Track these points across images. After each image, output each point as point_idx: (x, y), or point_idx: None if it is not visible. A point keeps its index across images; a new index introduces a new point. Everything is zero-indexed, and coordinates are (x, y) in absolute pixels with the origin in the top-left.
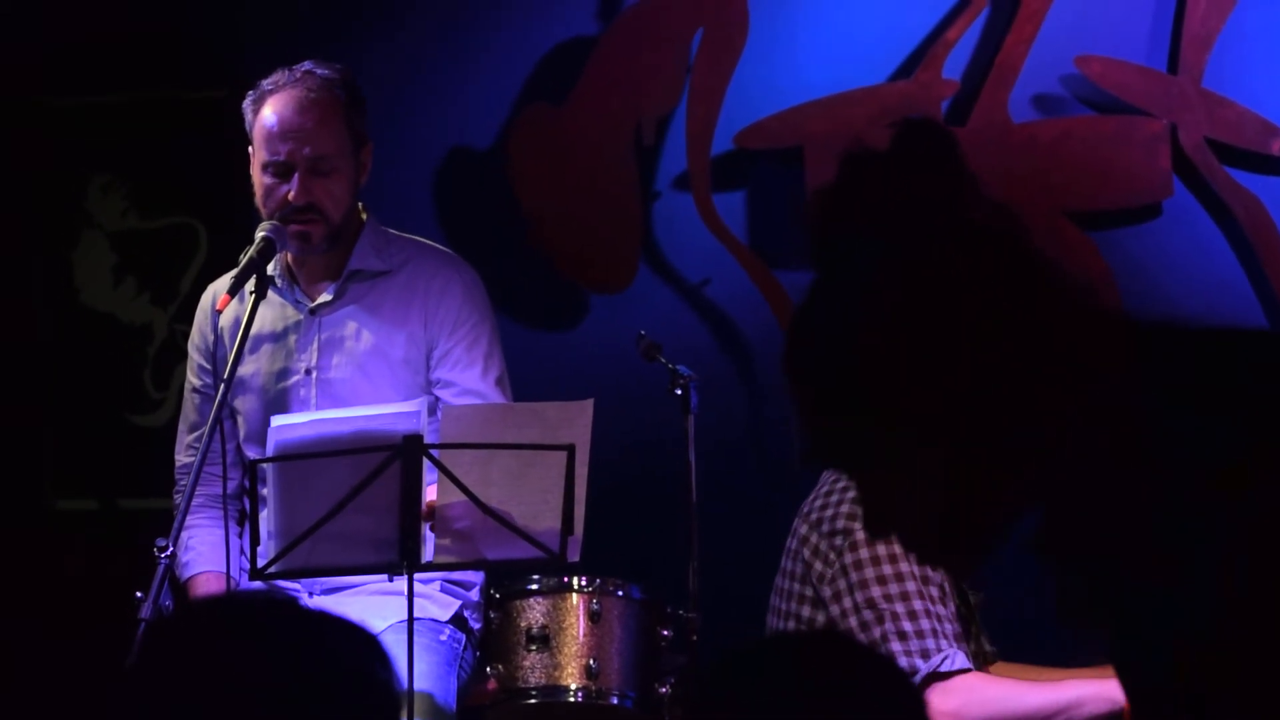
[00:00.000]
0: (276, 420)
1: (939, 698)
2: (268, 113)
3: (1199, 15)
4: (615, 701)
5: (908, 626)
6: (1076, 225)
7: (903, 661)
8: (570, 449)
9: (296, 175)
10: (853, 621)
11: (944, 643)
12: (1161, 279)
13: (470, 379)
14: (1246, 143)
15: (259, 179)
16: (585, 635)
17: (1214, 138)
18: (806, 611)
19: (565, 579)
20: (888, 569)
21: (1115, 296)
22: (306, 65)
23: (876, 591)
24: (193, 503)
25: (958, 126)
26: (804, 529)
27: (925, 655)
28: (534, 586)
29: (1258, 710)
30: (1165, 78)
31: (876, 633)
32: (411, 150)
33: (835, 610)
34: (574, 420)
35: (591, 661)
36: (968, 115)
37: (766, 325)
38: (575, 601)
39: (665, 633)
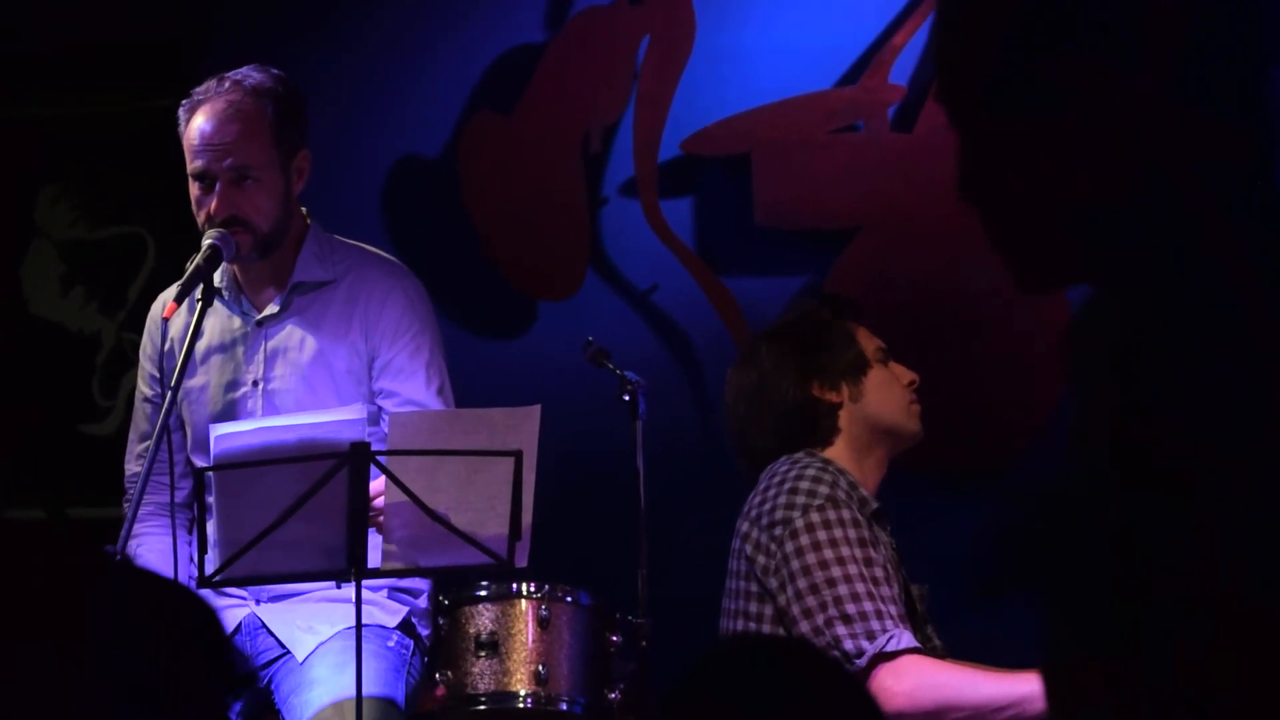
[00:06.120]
0: (219, 429)
1: (891, 679)
2: (193, 124)
3: None
4: (565, 707)
5: (851, 609)
6: None
7: (848, 644)
8: (518, 455)
9: (218, 187)
10: (796, 609)
11: (889, 623)
12: None
13: (412, 389)
14: None
15: (190, 189)
16: (534, 641)
17: None
18: (754, 607)
19: (514, 585)
20: (829, 553)
21: (1065, 303)
22: (238, 74)
23: (819, 576)
24: (141, 511)
25: (904, 132)
26: (745, 526)
27: (870, 636)
28: (482, 593)
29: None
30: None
31: (820, 619)
32: (360, 159)
33: (782, 600)
34: (521, 426)
35: (540, 667)
36: (914, 121)
37: (714, 331)
38: (524, 607)
39: (614, 638)
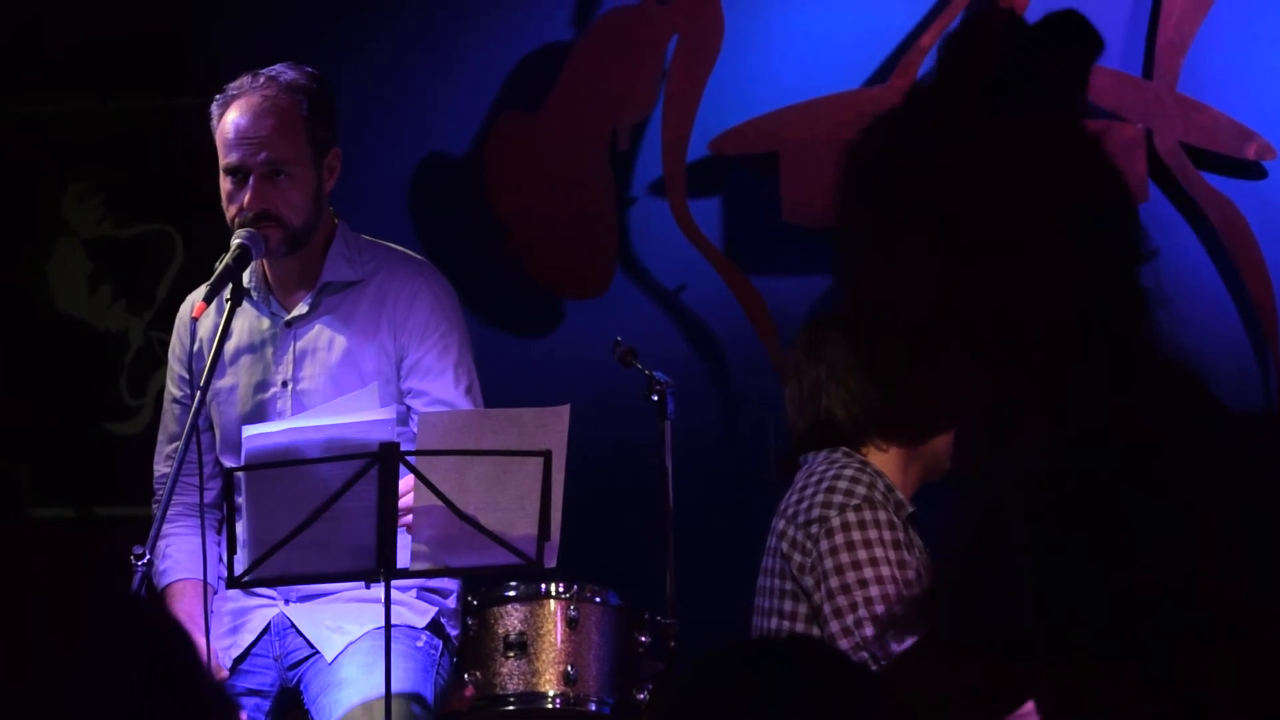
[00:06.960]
0: (249, 430)
1: None
2: (227, 118)
3: (1173, 21)
4: (593, 708)
5: (881, 610)
6: None
7: (876, 646)
8: (547, 455)
9: (251, 181)
10: (828, 607)
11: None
12: None
13: (441, 388)
14: (1221, 147)
15: (221, 184)
16: (563, 642)
17: (1189, 142)
18: (789, 605)
19: (542, 585)
20: (862, 554)
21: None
22: (272, 70)
23: (851, 576)
24: (170, 511)
25: None
26: (781, 524)
27: (900, 638)
28: (511, 593)
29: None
30: (1140, 83)
31: (850, 619)
32: (386, 157)
33: (816, 598)
34: (550, 426)
35: (569, 668)
36: None
37: (742, 331)
38: (553, 608)
39: (643, 639)
